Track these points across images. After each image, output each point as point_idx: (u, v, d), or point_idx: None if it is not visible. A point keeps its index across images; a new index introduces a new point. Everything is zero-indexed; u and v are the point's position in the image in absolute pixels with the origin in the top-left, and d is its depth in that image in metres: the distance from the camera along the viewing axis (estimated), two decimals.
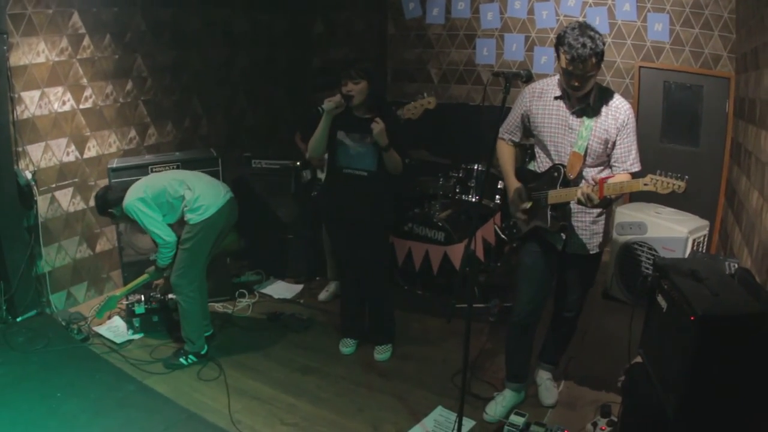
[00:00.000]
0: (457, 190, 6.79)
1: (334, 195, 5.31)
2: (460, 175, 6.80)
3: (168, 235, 5.16)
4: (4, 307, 5.90)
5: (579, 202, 3.95)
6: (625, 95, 7.11)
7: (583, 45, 3.73)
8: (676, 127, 7.33)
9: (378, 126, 4.81)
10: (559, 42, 3.86)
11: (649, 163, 7.06)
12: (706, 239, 6.13)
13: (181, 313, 5.38)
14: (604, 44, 3.82)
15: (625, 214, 6.26)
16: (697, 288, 3.56)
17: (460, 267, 6.03)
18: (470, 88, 8.46)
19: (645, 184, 3.65)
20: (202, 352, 5.46)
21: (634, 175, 4.00)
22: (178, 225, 5.35)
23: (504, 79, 3.81)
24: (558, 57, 3.92)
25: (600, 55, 3.80)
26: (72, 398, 4.79)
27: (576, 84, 3.89)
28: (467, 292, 4.00)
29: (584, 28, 3.79)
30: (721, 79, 6.90)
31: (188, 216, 5.21)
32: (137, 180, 5.39)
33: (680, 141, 7.32)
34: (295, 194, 6.84)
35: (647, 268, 6.02)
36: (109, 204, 5.25)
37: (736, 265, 4.29)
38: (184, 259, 5.27)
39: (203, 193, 5.25)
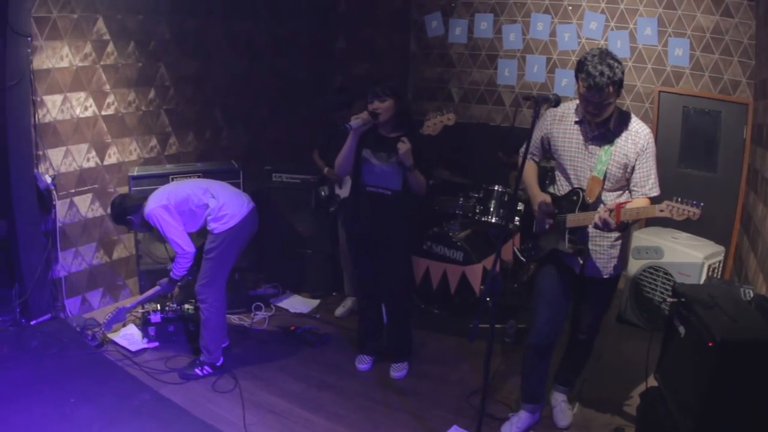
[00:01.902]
0: (477, 211, 6.77)
1: (356, 212, 5.29)
2: (480, 195, 6.79)
3: (188, 246, 5.13)
4: (19, 311, 5.86)
5: (596, 226, 3.96)
6: (645, 119, 7.14)
7: (601, 73, 3.76)
8: (694, 152, 7.31)
9: (404, 146, 4.78)
10: (579, 68, 3.89)
11: (666, 188, 7.04)
12: (721, 265, 6.13)
13: (203, 322, 5.35)
14: (623, 72, 3.84)
15: (641, 238, 6.25)
16: (715, 314, 3.56)
17: (482, 289, 6.01)
18: (491, 109, 8.45)
19: (661, 210, 3.71)
20: (218, 364, 5.43)
21: (653, 200, 4.00)
22: (197, 235, 5.34)
23: (533, 103, 3.82)
24: (577, 82, 3.94)
25: (618, 84, 3.84)
26: (86, 404, 4.75)
27: (593, 111, 3.93)
28: (490, 313, 3.97)
29: (604, 55, 3.81)
30: (739, 105, 6.88)
31: (212, 225, 5.20)
32: (156, 188, 5.38)
33: (698, 166, 7.29)
34: (315, 209, 6.82)
35: (662, 293, 6.00)
36: (127, 211, 5.22)
37: (752, 292, 4.31)
38: (208, 269, 5.25)
39: (227, 203, 5.24)
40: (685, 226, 6.23)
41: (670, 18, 7.07)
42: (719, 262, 6.07)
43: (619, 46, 7.38)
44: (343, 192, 6.37)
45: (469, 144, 7.89)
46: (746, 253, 6.09)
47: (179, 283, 5.45)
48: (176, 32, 6.93)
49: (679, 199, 3.65)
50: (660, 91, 7.32)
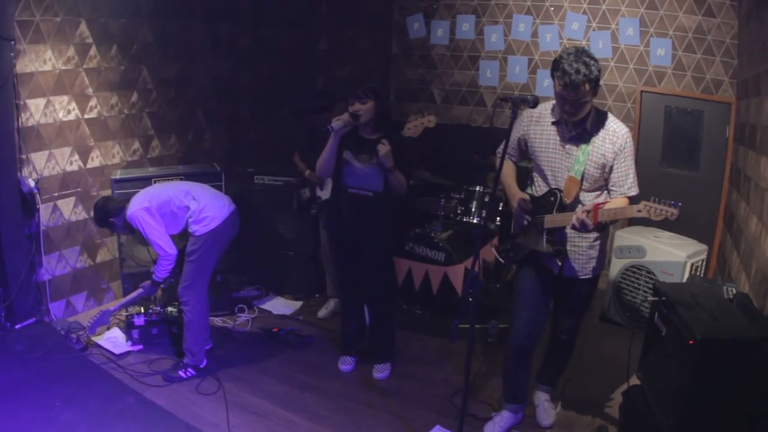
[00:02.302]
0: (459, 211, 6.80)
1: (338, 214, 5.31)
2: (461, 196, 6.82)
3: (170, 248, 5.14)
4: (3, 314, 5.85)
5: (573, 227, 3.95)
6: (627, 119, 7.23)
7: (577, 71, 3.76)
8: (677, 151, 7.38)
9: (384, 148, 4.81)
10: (554, 67, 3.90)
11: (649, 187, 7.07)
12: (704, 263, 6.17)
13: (186, 324, 5.37)
14: (599, 71, 3.85)
15: (624, 237, 6.29)
16: (696, 312, 3.59)
17: (463, 289, 6.04)
18: (473, 110, 8.49)
19: (638, 211, 3.68)
20: (201, 366, 5.44)
21: (632, 199, 4.01)
22: (179, 238, 5.36)
23: (511, 104, 3.83)
24: (553, 81, 3.94)
25: (594, 82, 3.84)
26: (71, 408, 4.76)
27: (569, 110, 3.93)
28: (470, 313, 3.98)
29: (580, 53, 3.81)
30: (722, 105, 6.95)
31: (193, 227, 5.22)
32: (138, 191, 5.39)
33: (680, 165, 7.37)
34: (297, 211, 6.83)
35: (645, 292, 6.04)
36: (109, 213, 5.24)
37: (734, 290, 4.33)
38: (190, 271, 5.27)
39: (208, 205, 5.27)
40: (668, 225, 6.29)
41: (652, 18, 7.13)
42: (702, 260, 6.10)
43: (600, 46, 7.44)
44: (325, 194, 6.39)
45: (450, 145, 7.93)
46: (729, 252, 6.14)
47: (162, 286, 5.45)
48: (158, 35, 6.94)
49: (657, 199, 3.64)
50: (642, 91, 7.38)
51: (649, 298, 4.24)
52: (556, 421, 4.84)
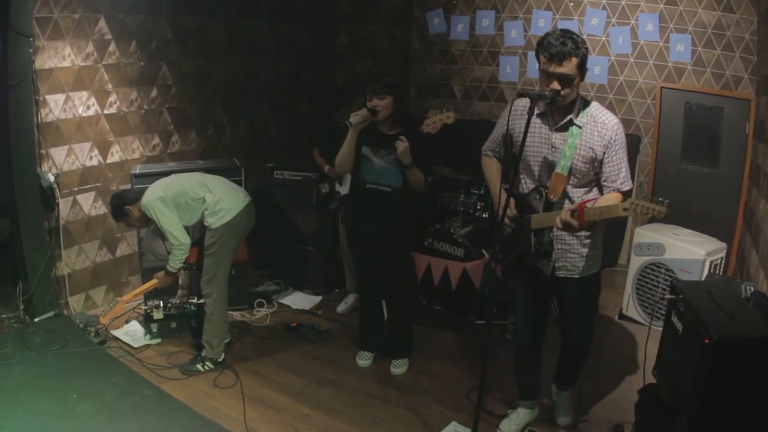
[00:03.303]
0: (478, 207, 6.78)
1: (356, 210, 5.32)
2: (481, 191, 6.79)
3: (184, 237, 5.18)
4: (22, 308, 5.93)
5: (559, 228, 3.82)
6: (647, 116, 7.18)
7: (563, 44, 3.61)
8: (696, 148, 7.30)
9: (402, 144, 4.80)
10: (539, 44, 3.74)
11: (669, 184, 7.04)
12: (723, 261, 6.09)
13: (207, 317, 5.41)
14: (587, 51, 3.70)
15: (643, 234, 6.22)
16: (712, 311, 3.55)
17: (480, 285, 6.02)
18: (493, 105, 8.47)
19: (624, 209, 3.49)
20: (219, 360, 5.47)
21: (626, 195, 3.86)
22: (197, 228, 5.39)
23: (530, 100, 3.70)
24: (538, 60, 3.77)
25: (581, 60, 3.67)
26: (88, 400, 4.80)
27: (556, 87, 3.71)
28: (486, 310, 3.94)
29: (568, 32, 3.68)
30: (741, 101, 6.86)
31: (209, 220, 5.24)
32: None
33: (700, 162, 7.29)
34: (317, 206, 6.84)
35: (664, 290, 5.99)
36: (125, 201, 5.27)
37: (753, 288, 4.28)
38: (211, 264, 5.31)
39: (224, 197, 5.29)
40: (688, 222, 6.28)
41: (672, 14, 7.07)
42: (721, 258, 6.03)
43: (620, 42, 7.40)
44: (344, 189, 6.39)
45: (471, 141, 7.85)
46: (748, 250, 6.08)
47: (174, 276, 5.48)
48: (177, 31, 6.95)
49: (645, 197, 3.51)
50: (662, 88, 7.32)
51: (665, 296, 4.19)
52: (572, 418, 4.79)
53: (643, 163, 7.49)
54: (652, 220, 3.53)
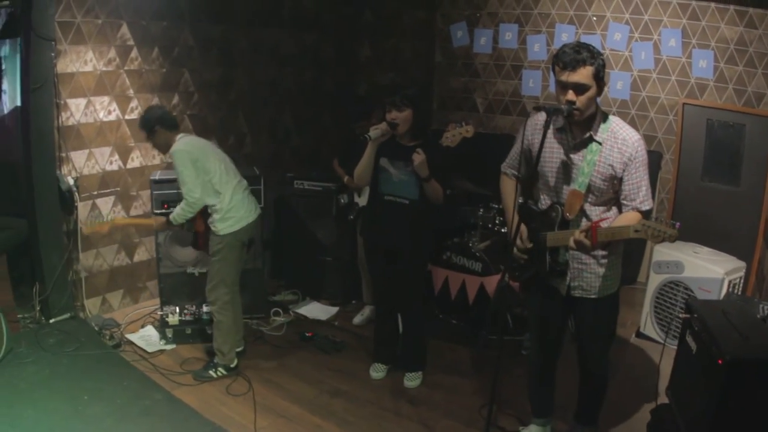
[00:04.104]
0: (497, 222, 6.75)
1: (374, 221, 5.30)
2: (501, 206, 6.74)
3: (198, 193, 5.13)
4: (38, 308, 5.98)
5: (572, 248, 3.72)
6: (669, 132, 7.12)
7: (578, 52, 3.52)
8: (718, 165, 7.19)
9: (419, 157, 4.78)
10: (555, 56, 3.65)
11: (689, 202, 6.97)
12: (742, 281, 5.99)
13: (215, 324, 5.41)
14: (604, 64, 3.60)
15: (662, 252, 6.14)
16: (727, 331, 3.51)
17: (493, 299, 5.99)
18: (515, 120, 8.43)
19: (636, 231, 3.40)
20: (232, 366, 5.46)
21: (645, 214, 3.72)
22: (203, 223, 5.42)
23: (546, 114, 3.64)
24: (554, 73, 3.67)
25: (597, 71, 3.56)
26: (98, 402, 4.82)
27: (571, 98, 3.58)
28: (499, 324, 3.88)
29: (584, 43, 3.60)
30: (763, 118, 6.76)
31: (218, 225, 5.24)
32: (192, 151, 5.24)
33: (721, 180, 7.18)
34: (336, 217, 6.85)
35: (682, 309, 5.92)
36: (162, 122, 5.19)
37: None
38: (216, 271, 5.31)
39: (237, 205, 5.29)
40: (708, 240, 6.21)
41: (694, 29, 7.01)
42: (740, 277, 5.94)
43: (643, 57, 7.35)
44: (362, 200, 6.38)
45: (492, 155, 7.83)
46: None
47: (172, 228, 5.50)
48: (200, 39, 7.00)
49: (656, 218, 3.40)
50: (684, 104, 7.26)
51: (680, 315, 4.12)
52: None
53: (664, 180, 7.42)
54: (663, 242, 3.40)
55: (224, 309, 5.37)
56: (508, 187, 4.32)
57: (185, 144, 5.18)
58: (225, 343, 5.41)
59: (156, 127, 5.17)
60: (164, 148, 5.26)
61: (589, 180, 3.77)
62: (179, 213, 5.21)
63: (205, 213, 5.33)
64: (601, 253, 3.90)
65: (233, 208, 5.25)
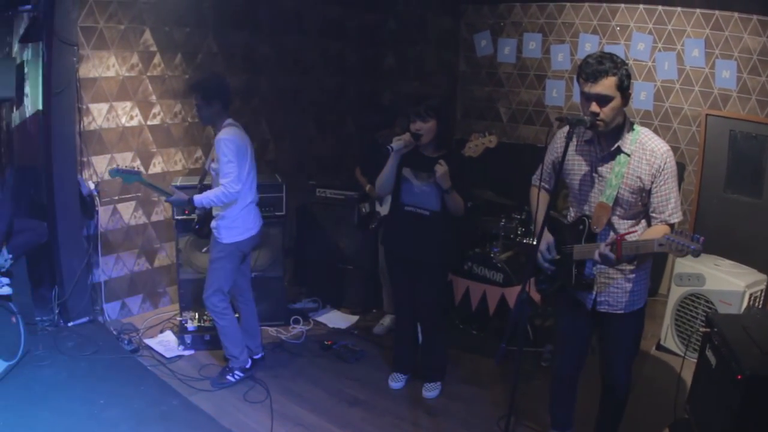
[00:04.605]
0: (519, 232, 6.71)
1: (395, 231, 5.29)
2: (523, 216, 6.73)
3: (239, 188, 5.03)
4: (57, 311, 6.01)
5: (597, 261, 3.65)
6: (692, 143, 7.06)
7: (600, 62, 3.48)
8: (740, 177, 7.10)
9: (441, 168, 4.73)
10: (579, 67, 3.60)
11: (712, 214, 6.89)
12: (763, 294, 5.91)
13: (220, 331, 5.38)
14: (629, 74, 3.54)
15: (683, 264, 6.06)
16: (747, 346, 3.46)
17: (513, 311, 5.95)
18: (538, 130, 8.39)
19: (660, 245, 3.28)
20: (247, 366, 5.47)
21: (673, 227, 3.66)
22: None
23: (568, 125, 3.62)
24: (579, 84, 3.63)
25: (622, 79, 3.50)
26: (115, 406, 4.83)
27: (595, 110, 3.54)
28: (519, 335, 3.83)
29: (608, 53, 3.55)
30: None
31: (222, 233, 5.19)
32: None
33: (743, 191, 7.08)
34: (358, 226, 6.83)
35: (703, 322, 5.85)
36: (220, 95, 5.09)
37: None
38: (215, 279, 5.27)
39: (245, 216, 5.25)
40: (730, 252, 6.15)
41: (717, 39, 6.95)
42: (761, 290, 5.86)
43: (666, 67, 7.29)
44: (384, 209, 6.36)
45: (515, 165, 7.80)
46: None
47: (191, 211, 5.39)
48: (223, 46, 7.02)
49: (681, 231, 3.28)
50: (707, 115, 7.19)
51: (700, 329, 4.06)
52: None
53: (687, 191, 7.34)
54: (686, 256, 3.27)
55: (224, 314, 5.33)
56: (537, 198, 4.26)
57: (236, 134, 5.07)
58: (235, 347, 5.40)
59: (215, 100, 5.07)
60: (207, 120, 5.19)
61: (616, 192, 3.72)
62: (210, 199, 5.03)
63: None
64: (628, 267, 3.84)
65: (241, 217, 5.22)
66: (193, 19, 6.66)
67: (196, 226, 5.45)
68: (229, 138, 4.99)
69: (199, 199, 5.08)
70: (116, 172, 5.27)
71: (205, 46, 6.84)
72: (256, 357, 5.63)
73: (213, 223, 5.24)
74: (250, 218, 5.31)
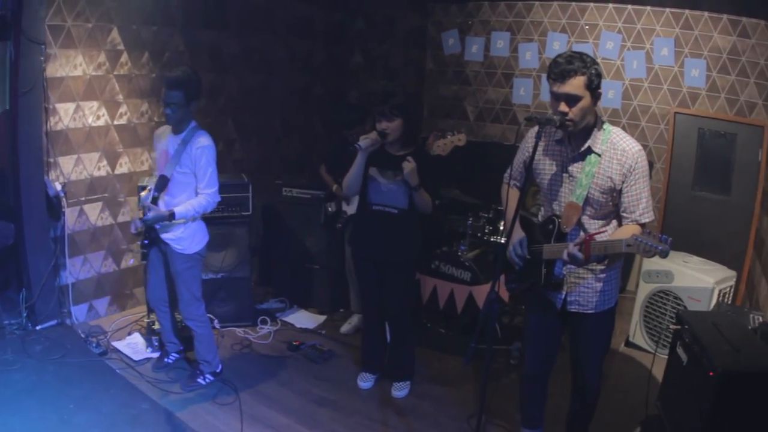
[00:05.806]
0: (486, 231, 6.73)
1: (362, 231, 5.29)
2: (490, 215, 6.76)
3: (219, 197, 5.03)
4: (25, 315, 5.93)
5: (566, 261, 3.65)
6: (660, 141, 7.13)
7: (570, 62, 3.47)
8: (709, 174, 7.24)
9: (409, 165, 4.76)
10: (548, 67, 3.59)
11: (680, 211, 6.98)
12: (732, 290, 6.02)
13: (197, 338, 5.35)
14: (599, 74, 3.54)
15: (652, 261, 6.10)
16: (718, 343, 3.49)
17: (482, 311, 5.97)
18: (505, 128, 8.43)
19: (628, 245, 3.29)
20: (218, 371, 5.45)
21: (644, 227, 3.61)
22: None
23: (537, 124, 3.64)
24: (549, 83, 3.62)
25: (591, 79, 3.50)
26: (84, 411, 4.78)
27: (564, 109, 3.53)
28: (488, 334, 3.83)
29: (578, 53, 3.55)
30: (755, 128, 6.81)
31: (183, 244, 5.09)
32: None
33: (712, 189, 7.22)
34: (324, 225, 6.82)
35: (672, 318, 5.90)
36: (198, 94, 4.95)
37: (761, 319, 4.21)
38: (186, 290, 5.21)
39: (200, 223, 5.20)
40: (698, 249, 6.21)
41: (687, 38, 7.03)
42: (730, 287, 5.95)
43: (635, 66, 7.36)
44: (351, 209, 6.36)
45: (482, 163, 7.83)
46: (758, 278, 6.03)
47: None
48: (190, 44, 6.98)
49: (649, 232, 3.30)
50: (676, 113, 7.26)
51: (670, 326, 4.09)
52: None
53: (655, 189, 7.40)
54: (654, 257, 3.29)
55: (203, 321, 5.34)
56: (509, 196, 4.26)
57: (210, 140, 5.01)
58: (209, 352, 5.39)
59: (194, 102, 4.93)
60: (179, 120, 4.92)
61: (587, 192, 3.72)
62: (194, 209, 4.93)
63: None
64: (599, 267, 3.85)
65: (200, 224, 5.21)
66: (161, 17, 6.60)
67: (146, 242, 5.18)
68: (211, 146, 4.99)
69: (181, 212, 4.90)
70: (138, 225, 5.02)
71: (173, 44, 6.79)
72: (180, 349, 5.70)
73: (169, 237, 5.07)
74: (204, 223, 5.26)
